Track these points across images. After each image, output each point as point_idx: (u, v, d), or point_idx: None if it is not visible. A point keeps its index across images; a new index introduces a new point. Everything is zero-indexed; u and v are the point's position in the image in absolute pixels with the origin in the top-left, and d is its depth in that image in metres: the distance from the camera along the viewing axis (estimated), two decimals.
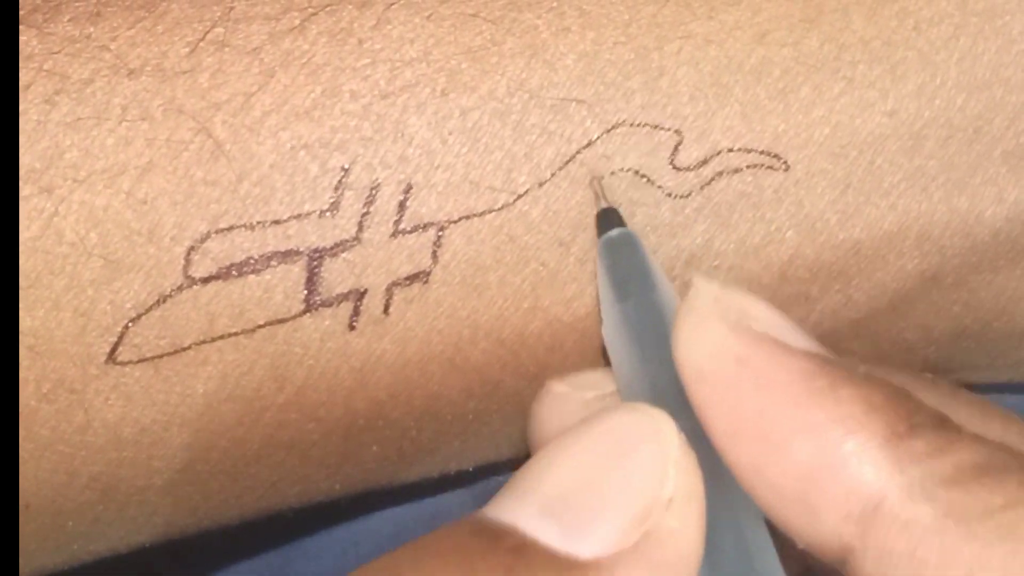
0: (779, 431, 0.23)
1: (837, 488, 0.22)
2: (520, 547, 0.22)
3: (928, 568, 0.21)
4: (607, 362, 0.28)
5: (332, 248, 0.27)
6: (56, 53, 0.27)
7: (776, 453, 0.23)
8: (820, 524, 0.22)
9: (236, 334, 0.27)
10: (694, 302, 0.24)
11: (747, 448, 0.23)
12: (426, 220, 0.28)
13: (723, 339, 0.23)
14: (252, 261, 0.27)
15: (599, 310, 0.28)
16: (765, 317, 0.24)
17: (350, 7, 0.28)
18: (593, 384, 0.28)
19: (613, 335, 0.27)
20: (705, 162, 0.28)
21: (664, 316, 0.26)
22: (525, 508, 0.23)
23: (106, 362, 0.27)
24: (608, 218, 0.28)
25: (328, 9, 0.28)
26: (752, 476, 0.23)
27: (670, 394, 0.24)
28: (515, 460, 0.33)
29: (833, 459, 0.22)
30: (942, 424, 0.23)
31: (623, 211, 0.28)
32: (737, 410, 0.23)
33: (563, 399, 0.28)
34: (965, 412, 0.26)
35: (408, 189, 0.27)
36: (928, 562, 0.21)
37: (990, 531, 0.21)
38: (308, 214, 0.27)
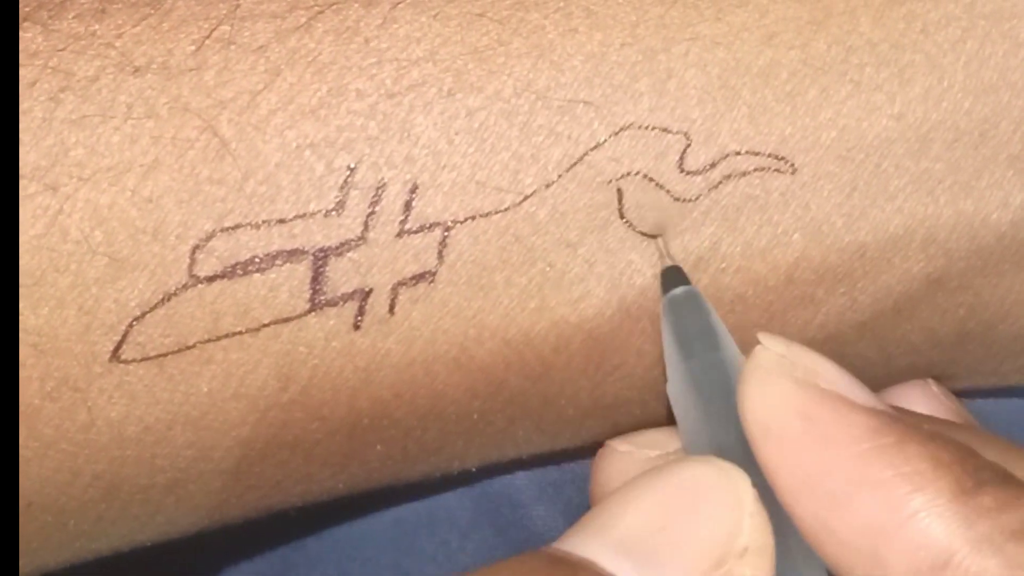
0: (847, 487, 0.23)
1: (906, 543, 0.22)
2: None
3: None
4: (669, 416, 0.29)
5: (337, 248, 0.27)
6: (61, 50, 0.27)
7: (844, 508, 0.23)
8: None
9: (241, 333, 0.27)
10: (760, 359, 0.24)
11: (814, 503, 0.23)
12: (432, 220, 0.28)
13: (789, 395, 0.24)
14: (257, 260, 0.27)
15: (605, 311, 0.28)
16: (831, 374, 0.24)
17: (356, 6, 0.28)
18: (656, 443, 0.29)
19: (678, 393, 0.27)
20: (713, 165, 0.28)
21: (729, 375, 0.26)
22: (602, 543, 0.23)
23: (110, 360, 0.27)
24: (672, 276, 0.28)
25: (334, 8, 0.27)
26: (819, 531, 0.23)
27: (736, 452, 0.24)
28: (518, 461, 0.33)
29: (902, 514, 0.23)
30: (1007, 480, 0.23)
31: (631, 215, 0.28)
32: (804, 466, 0.23)
33: (626, 458, 0.29)
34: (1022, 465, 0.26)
35: (414, 189, 0.27)
36: None
37: None
38: (314, 213, 0.27)
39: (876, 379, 0.32)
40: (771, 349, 0.25)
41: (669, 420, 0.31)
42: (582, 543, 0.23)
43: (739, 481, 0.24)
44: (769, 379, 0.24)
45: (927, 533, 0.22)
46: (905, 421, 0.24)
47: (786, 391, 0.24)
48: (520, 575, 0.23)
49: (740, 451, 0.24)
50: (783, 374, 0.24)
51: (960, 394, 0.33)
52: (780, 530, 0.24)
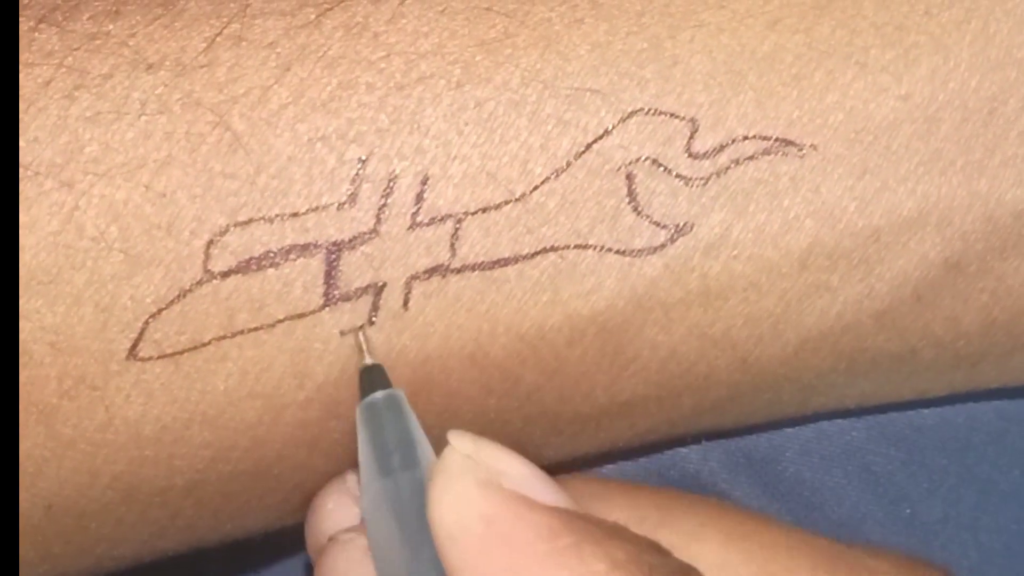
0: None
1: None
2: None
3: None
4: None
5: (350, 241, 0.27)
6: (76, 50, 0.27)
7: None
8: None
9: (256, 329, 0.28)
10: (446, 462, 0.24)
11: None
12: (443, 212, 0.28)
13: (472, 499, 0.24)
14: (271, 255, 0.27)
15: (616, 302, 0.28)
16: (516, 472, 0.24)
17: (365, 2, 0.28)
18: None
19: (372, 513, 0.26)
20: (721, 149, 0.28)
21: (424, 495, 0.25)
22: None
23: (127, 358, 0.27)
24: (372, 377, 0.27)
25: (343, 5, 0.28)
26: None
27: (429, 572, 0.24)
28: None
29: None
30: (684, 571, 0.23)
31: (641, 200, 0.28)
32: (486, 571, 0.23)
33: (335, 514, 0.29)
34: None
35: (425, 180, 0.28)
36: None
37: None
38: (326, 207, 0.27)
39: (903, 378, 0.32)
40: (457, 450, 0.24)
41: (689, 417, 0.31)
42: None
43: None
44: (453, 483, 0.24)
45: None
46: (584, 519, 0.24)
47: (469, 494, 0.24)
48: None
49: (435, 572, 0.24)
50: (467, 476, 0.24)
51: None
52: None
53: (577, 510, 0.24)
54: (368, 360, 0.27)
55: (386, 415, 0.27)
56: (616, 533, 0.24)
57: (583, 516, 0.24)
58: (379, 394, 0.27)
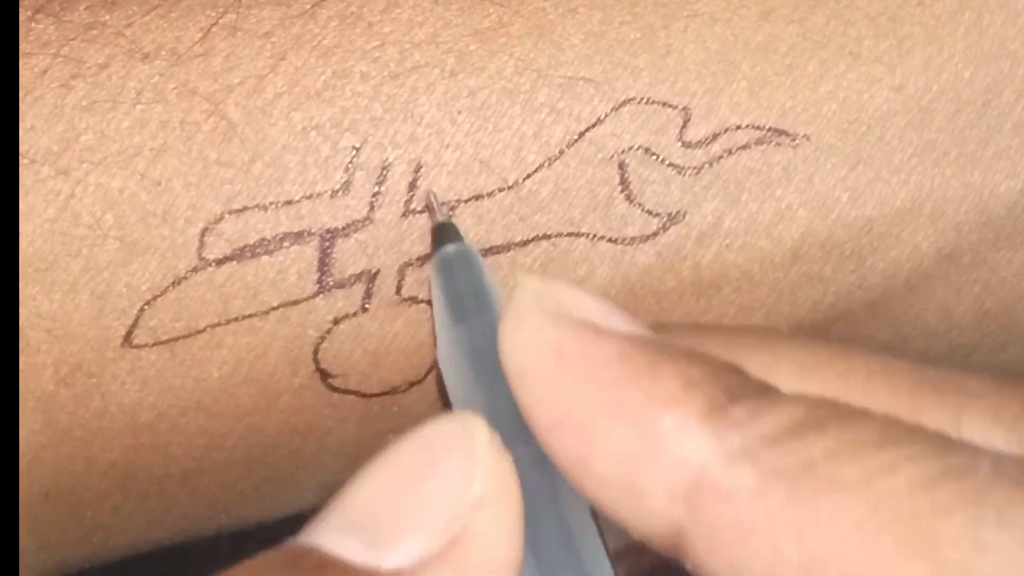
0: (599, 418, 0.22)
1: (659, 468, 0.21)
2: (320, 565, 0.21)
3: (756, 535, 0.21)
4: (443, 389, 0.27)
5: (344, 228, 0.28)
6: (72, 39, 0.27)
7: (598, 441, 0.22)
8: (648, 509, 0.22)
9: (250, 316, 0.28)
10: (516, 299, 0.23)
11: (570, 440, 0.22)
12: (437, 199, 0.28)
13: (541, 331, 0.23)
14: (265, 242, 0.27)
15: (608, 290, 0.29)
16: (585, 304, 0.23)
17: None
18: None
19: (448, 360, 0.25)
20: (714, 138, 0.28)
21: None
22: (328, 527, 0.22)
23: (122, 345, 0.28)
24: (445, 233, 0.27)
25: None
26: (578, 470, 0.22)
27: (508, 419, 0.23)
28: None
29: (653, 439, 0.21)
30: (762, 390, 0.22)
31: (633, 189, 0.28)
32: (558, 402, 0.22)
33: None
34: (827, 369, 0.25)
35: (418, 168, 0.28)
36: (755, 529, 0.21)
37: (814, 485, 0.20)
38: (320, 194, 0.27)
39: None
40: (527, 287, 0.24)
41: None
42: (313, 530, 0.22)
43: (475, 430, 0.22)
44: (524, 318, 0.23)
45: (678, 455, 0.21)
46: (659, 342, 0.23)
47: (538, 327, 0.23)
48: (255, 573, 0.22)
49: (512, 417, 0.23)
50: (536, 310, 0.23)
51: None
52: (552, 482, 0.23)
53: (651, 336, 0.23)
54: (440, 217, 0.27)
55: (459, 267, 0.26)
56: (692, 354, 0.23)
57: (657, 340, 0.23)
58: (451, 247, 0.27)
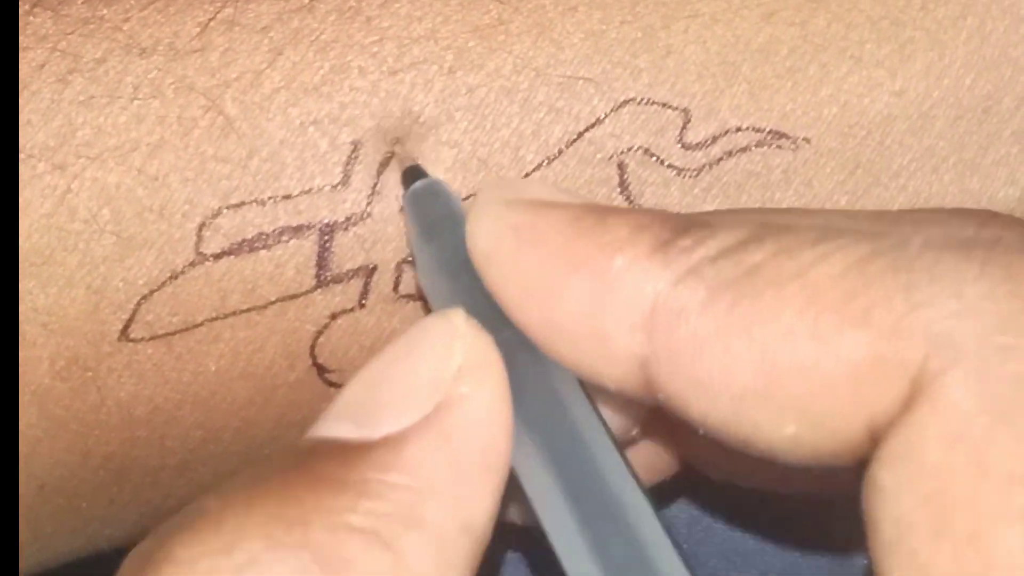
0: (556, 276, 0.23)
1: (617, 306, 0.22)
2: (313, 448, 0.22)
3: (709, 343, 0.22)
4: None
5: (343, 222, 0.28)
6: (70, 34, 0.27)
7: (558, 297, 0.23)
8: (614, 350, 0.23)
9: (248, 310, 0.28)
10: (478, 198, 0.25)
11: (536, 306, 0.23)
12: None
13: (500, 216, 0.24)
14: (263, 237, 0.27)
15: None
16: (536, 187, 0.25)
17: None
18: None
19: (426, 279, 0.26)
20: (714, 140, 0.28)
21: None
22: (322, 420, 0.23)
23: (119, 339, 0.28)
24: (413, 174, 0.27)
25: None
26: (546, 332, 0.23)
27: (485, 314, 0.24)
28: None
29: (607, 281, 0.23)
30: (704, 223, 0.23)
31: (632, 190, 0.28)
32: (520, 274, 0.24)
33: None
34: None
35: (416, 166, 0.28)
36: (707, 337, 0.22)
37: (756, 287, 0.21)
38: (319, 188, 0.27)
39: None
40: (486, 186, 0.25)
41: None
42: (311, 428, 0.23)
43: (451, 314, 0.23)
44: (484, 210, 0.24)
45: (632, 289, 0.22)
46: (608, 205, 0.24)
47: (497, 214, 0.24)
48: (260, 469, 0.22)
49: (489, 310, 0.24)
50: (495, 201, 0.24)
51: None
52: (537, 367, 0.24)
53: (600, 203, 0.25)
54: (408, 162, 0.28)
55: (428, 198, 0.27)
56: (640, 208, 0.24)
57: (606, 205, 0.24)
58: (419, 182, 0.27)
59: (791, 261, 0.21)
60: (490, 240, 0.24)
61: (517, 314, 0.24)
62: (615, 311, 0.22)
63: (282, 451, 0.23)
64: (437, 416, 0.22)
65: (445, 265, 0.25)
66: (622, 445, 0.23)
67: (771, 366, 0.21)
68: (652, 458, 0.29)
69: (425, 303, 0.28)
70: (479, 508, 0.22)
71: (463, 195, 0.28)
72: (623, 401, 0.25)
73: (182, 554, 0.21)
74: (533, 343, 0.24)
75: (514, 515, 0.28)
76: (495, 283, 0.24)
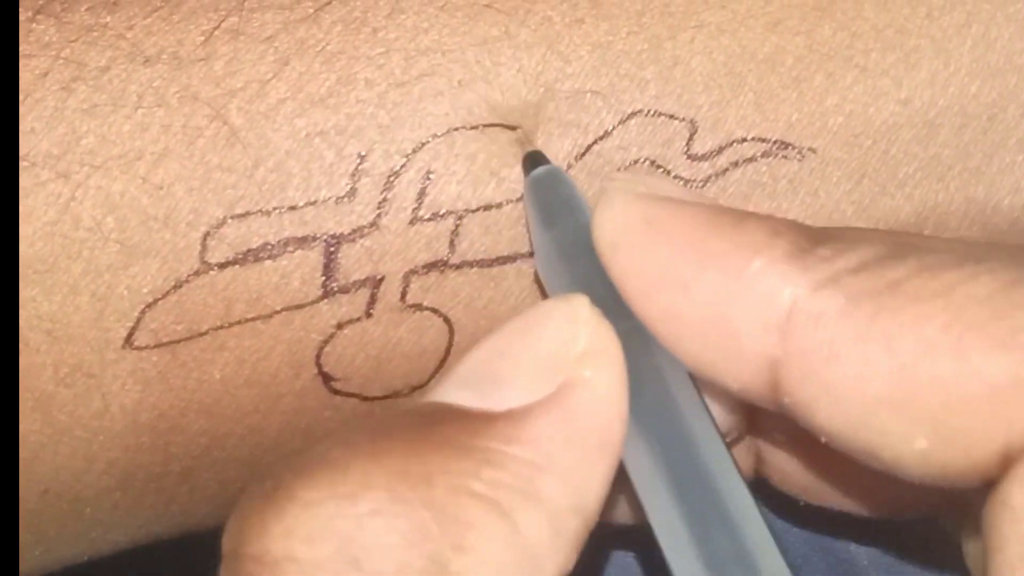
0: (690, 269, 0.23)
1: (751, 305, 0.23)
2: (435, 411, 0.23)
3: (846, 351, 0.22)
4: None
5: (350, 234, 0.27)
6: (74, 42, 0.27)
7: (687, 292, 0.23)
8: (742, 348, 0.23)
9: (253, 319, 0.28)
10: (606, 187, 0.25)
11: (662, 297, 0.24)
12: (445, 208, 0.28)
13: (631, 207, 0.24)
14: (269, 247, 0.27)
15: None
16: (670, 185, 0.25)
17: None
18: None
19: (546, 265, 0.27)
20: (720, 151, 0.28)
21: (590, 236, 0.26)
22: (442, 385, 0.23)
23: (123, 347, 0.28)
24: (534, 160, 0.28)
25: None
26: (671, 324, 0.24)
27: (604, 303, 0.24)
28: None
29: (743, 278, 0.23)
30: (842, 234, 0.24)
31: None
32: (649, 265, 0.24)
33: None
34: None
35: (427, 177, 0.28)
36: (845, 345, 0.22)
37: (899, 300, 0.22)
38: (325, 200, 0.27)
39: None
40: (615, 178, 0.25)
41: None
42: (430, 391, 0.24)
43: (575, 300, 0.24)
44: (613, 198, 0.25)
45: (768, 290, 0.23)
46: (742, 210, 0.24)
47: (628, 204, 0.24)
48: (381, 424, 0.23)
49: (608, 299, 0.24)
50: (626, 192, 0.25)
51: None
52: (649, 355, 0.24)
53: (735, 208, 0.25)
54: (529, 147, 0.28)
55: (548, 183, 0.27)
56: (775, 216, 0.24)
57: (739, 209, 0.25)
58: (540, 169, 0.27)
59: (935, 280, 0.22)
60: (619, 229, 0.24)
61: (642, 305, 0.24)
62: (749, 310, 0.23)
63: (403, 410, 0.23)
64: (560, 395, 0.23)
65: (565, 251, 0.26)
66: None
67: (909, 378, 0.21)
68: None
69: (437, 313, 0.28)
70: (592, 490, 0.23)
71: (474, 207, 0.28)
72: (730, 404, 0.25)
73: (306, 496, 0.21)
74: (650, 336, 0.24)
75: (618, 514, 0.29)
76: (621, 272, 0.24)
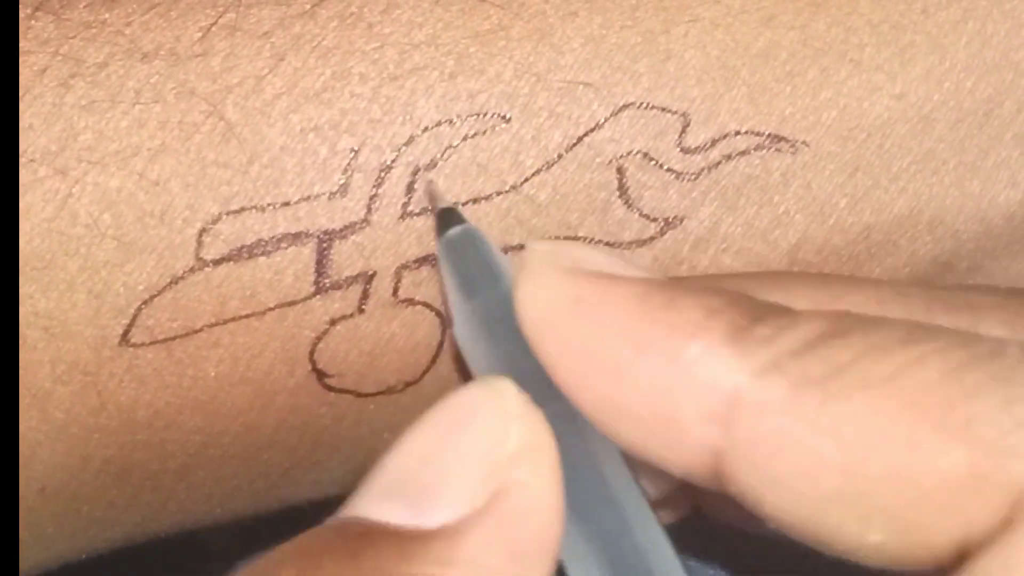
0: (623, 356, 0.22)
1: (691, 394, 0.22)
2: (365, 532, 0.22)
3: (794, 443, 0.21)
4: (463, 370, 0.27)
5: (341, 230, 0.28)
6: (72, 38, 0.27)
7: (624, 379, 0.22)
8: (684, 439, 0.22)
9: (247, 316, 0.28)
10: (529, 261, 0.24)
11: (597, 384, 0.22)
12: None
13: (557, 285, 0.23)
14: (263, 243, 0.27)
15: None
16: (597, 257, 0.24)
17: None
18: None
19: (465, 336, 0.26)
20: (713, 144, 0.28)
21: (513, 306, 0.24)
22: (368, 496, 0.22)
23: (119, 344, 0.28)
24: (448, 218, 0.27)
25: None
26: (608, 412, 0.23)
27: (530, 382, 0.23)
28: None
29: (681, 368, 0.22)
30: (781, 311, 0.22)
31: (632, 194, 0.28)
32: (579, 349, 0.23)
33: None
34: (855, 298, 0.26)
35: (416, 171, 0.28)
36: (792, 436, 0.21)
37: (846, 387, 0.21)
38: (318, 196, 0.27)
39: None
40: (538, 249, 0.24)
41: None
42: (354, 503, 0.22)
43: (503, 390, 0.22)
44: (538, 276, 0.23)
45: (708, 378, 0.22)
46: (674, 282, 0.23)
47: (554, 282, 0.23)
48: (292, 552, 0.22)
49: (535, 378, 0.23)
50: (550, 268, 0.23)
51: None
52: (580, 436, 0.23)
53: (667, 278, 0.24)
54: (441, 204, 0.27)
55: (465, 247, 0.26)
56: (708, 287, 0.23)
57: (672, 280, 0.24)
58: (455, 229, 0.26)
59: (882, 362, 0.21)
60: (545, 310, 0.23)
61: (573, 391, 0.23)
62: (688, 399, 0.22)
63: (328, 529, 0.22)
64: (496, 504, 0.22)
65: (488, 325, 0.25)
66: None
67: (861, 472, 0.20)
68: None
69: (429, 307, 0.28)
70: None
71: (463, 199, 0.28)
72: (669, 479, 0.24)
73: None
74: (580, 418, 0.23)
75: None
76: (549, 356, 0.23)
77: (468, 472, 0.22)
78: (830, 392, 0.21)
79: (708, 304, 0.22)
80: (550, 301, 0.23)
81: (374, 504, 0.22)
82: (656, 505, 0.26)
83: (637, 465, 0.24)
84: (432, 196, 0.28)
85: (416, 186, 0.28)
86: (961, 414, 0.20)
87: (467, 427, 0.22)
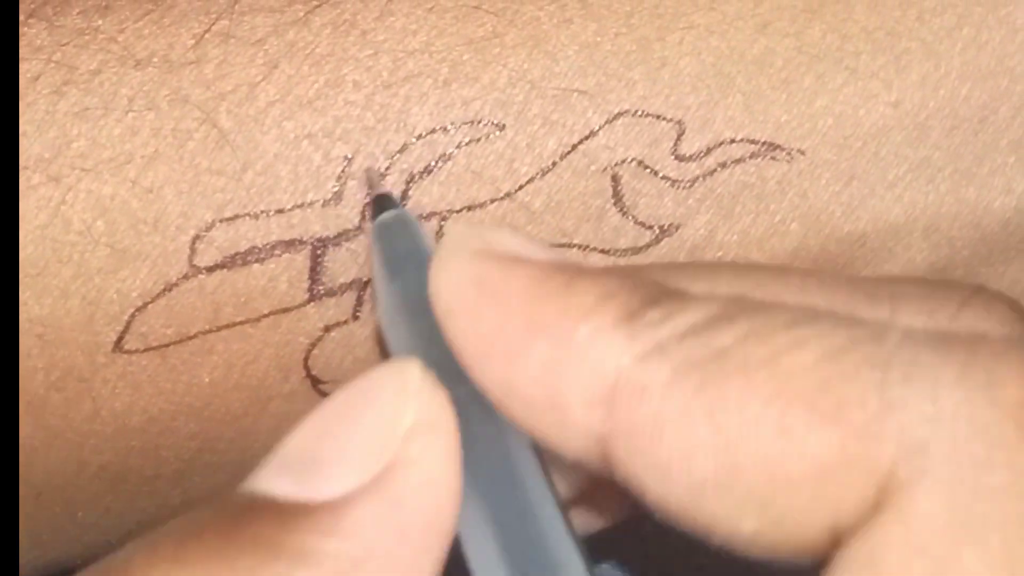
0: (520, 338, 0.22)
1: (577, 377, 0.21)
2: (248, 505, 0.21)
3: (671, 426, 0.20)
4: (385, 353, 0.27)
5: (335, 237, 0.28)
6: (65, 45, 0.27)
7: (518, 361, 0.22)
8: (570, 422, 0.22)
9: (241, 323, 0.28)
10: (443, 243, 0.23)
11: (495, 365, 0.22)
12: (428, 210, 0.28)
13: (465, 267, 0.23)
14: (256, 250, 0.27)
15: None
16: (507, 240, 0.23)
17: None
18: None
19: (386, 318, 0.25)
20: (708, 152, 0.28)
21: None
22: (261, 471, 0.22)
23: (113, 351, 0.28)
24: (383, 203, 0.27)
25: (331, 1, 0.28)
26: (504, 393, 0.22)
27: (445, 367, 0.23)
28: None
29: (569, 350, 0.21)
30: (675, 295, 0.22)
31: (627, 201, 0.28)
32: (481, 332, 0.22)
33: None
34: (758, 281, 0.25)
35: (410, 179, 0.28)
36: (669, 420, 0.20)
37: (724, 370, 0.20)
38: (312, 203, 0.27)
39: None
40: (453, 231, 0.24)
41: None
42: (250, 478, 0.22)
43: (406, 367, 0.22)
44: (450, 258, 0.23)
45: (594, 361, 0.21)
46: (578, 265, 0.23)
47: (462, 264, 0.23)
48: (189, 524, 0.21)
49: (449, 360, 0.23)
50: (461, 250, 0.23)
51: None
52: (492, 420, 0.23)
53: (572, 261, 0.23)
54: (377, 191, 0.27)
55: (396, 231, 0.26)
56: (610, 270, 0.23)
57: (576, 263, 0.23)
58: (388, 213, 0.26)
59: (762, 346, 0.20)
60: (452, 291, 0.23)
61: (475, 372, 0.22)
62: (575, 383, 0.21)
63: (217, 503, 0.22)
64: (385, 480, 0.21)
65: (407, 307, 0.24)
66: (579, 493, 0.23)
67: (733, 458, 0.20)
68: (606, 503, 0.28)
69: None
70: (420, 574, 0.21)
71: (457, 207, 0.28)
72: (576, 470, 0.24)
73: None
74: (491, 405, 0.23)
75: None
76: (455, 337, 0.23)
77: (359, 447, 0.21)
78: (709, 376, 0.20)
79: (605, 287, 0.22)
80: (457, 281, 0.23)
81: (265, 478, 0.22)
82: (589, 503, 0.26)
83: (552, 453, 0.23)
84: (370, 182, 0.27)
85: (410, 194, 0.28)
86: (833, 398, 0.19)
87: (365, 405, 0.22)
